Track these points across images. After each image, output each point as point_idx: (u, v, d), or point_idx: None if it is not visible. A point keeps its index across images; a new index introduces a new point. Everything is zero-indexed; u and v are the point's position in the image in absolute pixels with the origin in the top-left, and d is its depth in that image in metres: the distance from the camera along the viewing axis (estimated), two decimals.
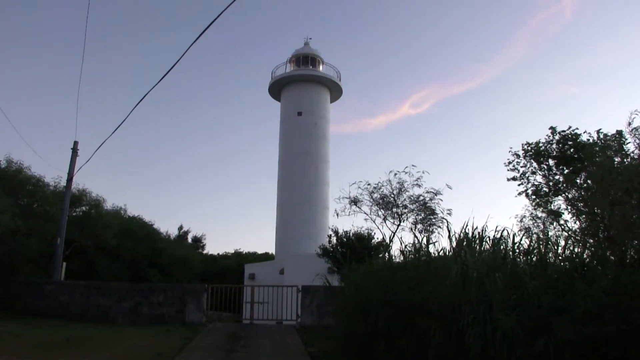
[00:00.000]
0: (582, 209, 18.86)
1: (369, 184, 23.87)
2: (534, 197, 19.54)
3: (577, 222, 18.81)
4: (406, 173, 23.37)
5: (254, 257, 47.47)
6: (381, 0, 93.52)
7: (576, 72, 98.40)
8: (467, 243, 10.75)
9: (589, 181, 18.32)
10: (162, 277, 32.64)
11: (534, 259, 9.95)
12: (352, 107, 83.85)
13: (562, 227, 18.53)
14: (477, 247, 10.74)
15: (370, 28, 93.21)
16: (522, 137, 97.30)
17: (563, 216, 19.25)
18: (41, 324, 17.97)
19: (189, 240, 51.57)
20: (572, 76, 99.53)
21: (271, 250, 41.69)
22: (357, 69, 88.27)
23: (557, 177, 18.95)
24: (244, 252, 52.01)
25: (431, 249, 11.82)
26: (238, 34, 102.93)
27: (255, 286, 21.83)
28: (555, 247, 10.13)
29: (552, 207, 19.45)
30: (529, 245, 10.52)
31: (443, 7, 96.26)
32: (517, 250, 10.51)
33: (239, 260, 45.93)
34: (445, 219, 22.35)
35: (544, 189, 19.30)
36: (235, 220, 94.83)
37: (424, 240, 12.13)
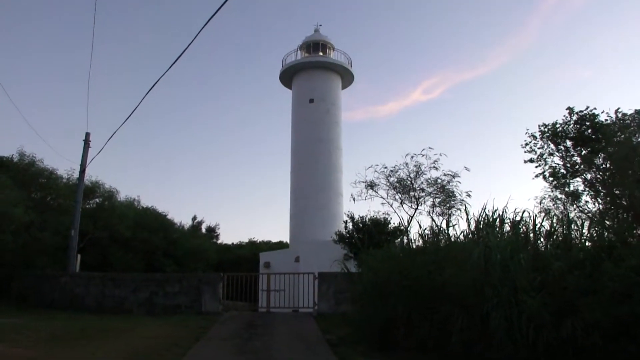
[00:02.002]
0: (601, 190, 18.60)
1: (385, 167, 23.66)
2: (551, 179, 19.26)
3: (596, 204, 18.57)
4: (423, 156, 23.10)
5: (268, 246, 47.30)
6: None
7: (588, 55, 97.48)
8: (488, 225, 10.49)
9: (608, 162, 18.05)
10: (176, 268, 32.54)
11: (558, 240, 9.72)
12: (363, 94, 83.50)
13: (581, 209, 18.28)
14: (498, 229, 10.48)
15: (379, 15, 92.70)
16: (535, 121, 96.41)
17: (582, 198, 19.00)
18: (56, 316, 17.87)
19: (203, 230, 51.57)
20: (584, 60, 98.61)
21: (285, 238, 41.60)
22: (367, 56, 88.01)
23: (574, 158, 18.66)
24: (258, 241, 51.89)
25: (451, 232, 11.57)
26: (249, 23, 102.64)
27: (272, 274, 21.64)
28: (579, 229, 9.89)
29: (571, 189, 19.18)
30: (551, 227, 10.28)
31: None
32: (539, 232, 10.28)
33: (253, 249, 45.87)
34: (464, 201, 22.11)
35: (562, 170, 19.02)
36: (249, 209, 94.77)
37: (444, 223, 11.91)
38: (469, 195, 22.12)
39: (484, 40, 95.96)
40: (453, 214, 20.96)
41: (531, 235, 10.22)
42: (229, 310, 19.83)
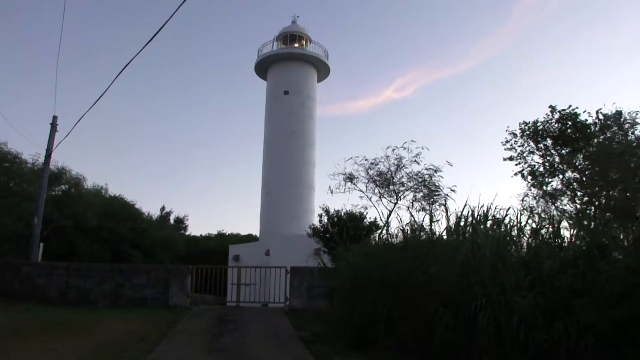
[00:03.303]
0: (579, 190, 18.43)
1: (366, 160, 22.92)
2: (529, 177, 19.07)
3: (574, 204, 18.38)
4: (405, 149, 22.32)
5: (237, 239, 46.84)
6: None
7: (563, 56, 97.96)
8: (475, 222, 10.10)
9: (587, 162, 17.87)
10: (144, 259, 31.99)
11: (545, 238, 9.36)
12: (336, 89, 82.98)
13: (559, 208, 18.08)
14: (483, 225, 10.09)
15: (355, 12, 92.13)
16: (508, 121, 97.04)
17: (560, 197, 18.84)
18: (16, 308, 17.13)
19: (171, 221, 50.96)
20: (558, 60, 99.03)
21: (255, 231, 41.13)
22: (341, 52, 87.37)
23: (554, 157, 18.47)
24: (227, 234, 51.41)
25: (434, 227, 11.16)
26: (224, 12, 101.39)
27: (242, 267, 21.13)
28: (570, 227, 9.56)
29: (549, 188, 19.00)
30: (538, 224, 9.94)
31: None
32: (524, 230, 9.94)
33: (222, 242, 45.40)
34: (448, 196, 21.52)
35: (540, 169, 18.82)
36: (218, 201, 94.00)
37: (427, 219, 11.52)
38: (453, 191, 21.55)
39: (459, 40, 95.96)
40: (437, 209, 20.42)
41: (516, 233, 9.88)
42: (197, 304, 19.31)
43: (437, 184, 21.75)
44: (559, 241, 8.79)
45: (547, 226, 9.85)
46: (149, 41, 14.46)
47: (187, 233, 51.24)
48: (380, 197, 22.70)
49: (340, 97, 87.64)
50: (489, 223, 10.34)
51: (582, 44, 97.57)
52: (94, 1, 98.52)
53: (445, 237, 10.75)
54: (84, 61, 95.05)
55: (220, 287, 20.64)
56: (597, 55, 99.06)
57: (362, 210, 22.63)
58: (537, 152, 18.53)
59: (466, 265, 8.52)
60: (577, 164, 18.03)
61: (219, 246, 43.14)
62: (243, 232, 51.10)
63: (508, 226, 9.90)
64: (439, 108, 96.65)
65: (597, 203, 17.49)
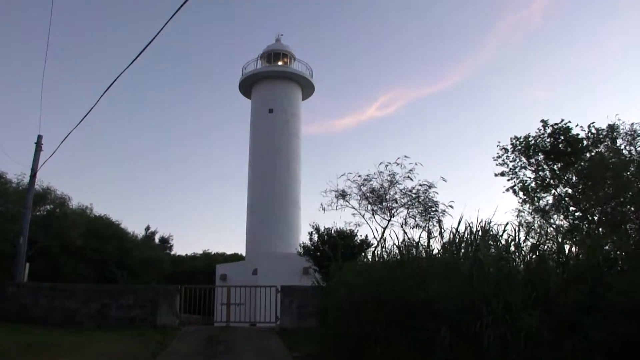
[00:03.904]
0: (570, 205, 18.35)
1: (359, 176, 22.69)
2: (521, 193, 18.99)
3: (566, 219, 18.29)
4: (398, 164, 22.09)
5: (223, 258, 46.38)
6: (351, 2, 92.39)
7: (545, 75, 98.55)
8: (474, 238, 9.89)
9: (580, 177, 17.81)
10: (130, 279, 31.54)
11: (546, 253, 9.16)
12: (319, 107, 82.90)
13: (552, 224, 17.98)
14: (483, 242, 9.88)
15: (338, 30, 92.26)
16: (492, 138, 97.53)
17: (551, 214, 18.76)
18: (1, 329, 16.75)
19: (156, 240, 50.45)
20: (541, 80, 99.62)
21: (241, 250, 40.77)
22: (325, 70, 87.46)
23: (546, 172, 18.40)
24: (213, 253, 50.84)
25: (432, 244, 10.94)
26: (207, 30, 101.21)
27: (232, 287, 20.80)
28: (572, 241, 9.39)
29: (540, 204, 18.92)
30: (538, 240, 9.77)
31: (410, 10, 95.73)
32: (524, 246, 9.74)
33: (207, 261, 44.94)
34: (446, 212, 21.21)
35: (532, 184, 18.73)
36: (203, 220, 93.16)
37: (425, 235, 11.29)
38: (450, 206, 21.25)
39: (442, 58, 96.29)
40: (434, 226, 20.17)
41: (514, 249, 9.69)
42: (185, 325, 18.97)
43: (434, 200, 21.52)
44: (563, 257, 8.58)
45: (547, 242, 9.67)
46: (133, 61, 14.27)
47: (172, 252, 50.74)
48: (373, 214, 22.45)
49: (324, 116, 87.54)
50: (488, 239, 10.15)
51: (567, 61, 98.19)
52: (79, 19, 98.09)
53: (442, 253, 10.53)
54: (70, 79, 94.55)
55: (207, 306, 20.31)
56: (571, 79, 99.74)
57: (353, 227, 22.36)
58: (529, 168, 18.46)
59: (468, 283, 8.30)
60: (569, 178, 17.97)
61: (205, 266, 42.71)
62: (229, 252, 50.69)
63: (508, 242, 9.69)
64: (426, 125, 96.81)
65: (590, 218, 17.41)
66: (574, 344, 6.98)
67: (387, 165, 22.22)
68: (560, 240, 9.16)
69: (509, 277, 8.03)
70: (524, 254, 9.52)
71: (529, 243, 9.82)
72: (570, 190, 18.23)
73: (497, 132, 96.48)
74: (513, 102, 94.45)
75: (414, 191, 21.77)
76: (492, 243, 9.91)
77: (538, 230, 14.49)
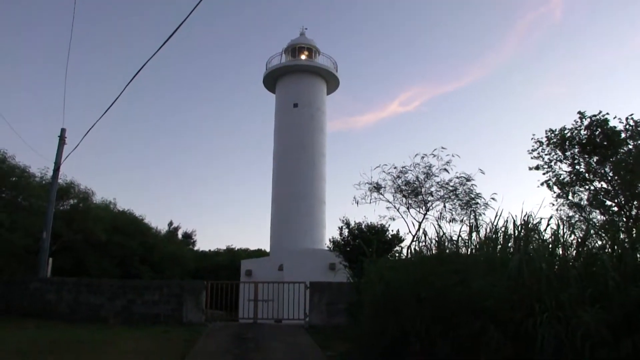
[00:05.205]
0: (605, 199, 17.81)
1: (394, 168, 21.84)
2: (555, 187, 18.45)
3: (601, 214, 17.74)
4: (434, 156, 21.11)
5: (246, 254, 46.19)
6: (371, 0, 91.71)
7: (565, 73, 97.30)
8: (521, 232, 9.42)
9: (616, 171, 17.26)
10: (153, 274, 31.46)
11: (605, 248, 8.67)
12: (341, 104, 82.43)
13: (587, 218, 17.42)
14: (531, 237, 9.42)
15: (359, 28, 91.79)
16: (514, 135, 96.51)
17: (586, 208, 18.25)
18: (25, 326, 16.53)
19: (179, 236, 50.36)
20: (560, 77, 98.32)
21: (264, 246, 40.56)
22: (345, 67, 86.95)
23: (581, 166, 17.86)
24: (236, 249, 50.70)
25: (475, 238, 10.46)
26: (232, 25, 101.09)
27: (259, 282, 20.43)
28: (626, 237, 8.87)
29: (576, 199, 18.39)
30: (586, 234, 9.26)
31: (431, 8, 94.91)
32: (568, 241, 9.26)
33: (231, 257, 44.88)
34: (488, 205, 20.30)
35: (566, 179, 18.19)
36: (227, 216, 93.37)
37: (465, 229, 10.84)
38: (493, 199, 19.97)
39: (462, 55, 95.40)
40: (474, 220, 19.36)
41: (560, 243, 9.20)
42: (211, 321, 18.63)
43: (475, 192, 20.63)
44: (619, 250, 8.09)
45: (594, 236, 9.19)
46: (156, 52, 14.23)
47: (195, 248, 50.72)
48: (408, 207, 21.81)
49: (345, 112, 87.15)
50: (534, 234, 9.69)
51: (576, 66, 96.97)
52: (102, 14, 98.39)
53: (483, 248, 10.08)
54: (93, 74, 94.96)
55: (231, 302, 19.95)
56: (591, 77, 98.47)
57: (385, 222, 21.71)
58: (565, 161, 17.91)
59: (516, 279, 7.84)
60: (605, 172, 17.43)
61: (228, 261, 42.66)
62: (252, 247, 50.55)
63: (556, 236, 9.20)
64: (446, 121, 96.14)
65: (627, 213, 16.87)
66: (634, 343, 6.54)
67: (423, 157, 21.38)
68: (615, 234, 8.65)
69: (561, 272, 7.58)
70: (572, 248, 9.06)
71: (573, 237, 9.38)
72: (605, 185, 17.68)
73: (519, 129, 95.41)
74: (535, 99, 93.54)
75: (452, 184, 21.08)
76: (536, 237, 9.47)
77: (579, 224, 13.92)
